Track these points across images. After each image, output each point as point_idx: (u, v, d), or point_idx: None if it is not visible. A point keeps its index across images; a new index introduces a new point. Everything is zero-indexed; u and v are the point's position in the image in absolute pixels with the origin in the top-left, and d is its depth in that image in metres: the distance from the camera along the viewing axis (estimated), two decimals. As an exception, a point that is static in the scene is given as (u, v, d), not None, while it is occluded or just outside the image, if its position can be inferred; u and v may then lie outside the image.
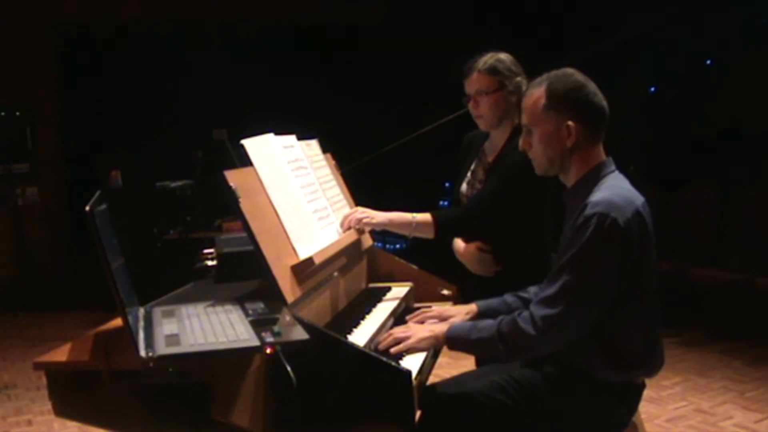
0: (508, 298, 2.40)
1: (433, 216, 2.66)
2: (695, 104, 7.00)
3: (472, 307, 2.40)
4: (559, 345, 1.99)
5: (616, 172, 2.07)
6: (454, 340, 2.09)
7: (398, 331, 2.18)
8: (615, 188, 1.99)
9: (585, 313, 1.93)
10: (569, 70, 2.07)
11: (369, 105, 7.53)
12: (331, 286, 2.40)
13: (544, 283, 2.03)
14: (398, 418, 1.85)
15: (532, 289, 2.39)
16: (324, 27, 7.93)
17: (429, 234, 2.67)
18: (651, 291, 2.02)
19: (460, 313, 2.38)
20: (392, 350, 2.10)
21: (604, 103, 2.06)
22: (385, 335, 2.20)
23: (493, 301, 2.41)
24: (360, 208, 2.69)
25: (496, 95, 2.64)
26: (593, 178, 2.04)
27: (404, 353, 2.15)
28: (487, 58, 2.66)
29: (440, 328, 2.14)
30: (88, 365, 1.80)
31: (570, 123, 2.01)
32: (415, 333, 2.14)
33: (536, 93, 2.05)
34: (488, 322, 2.05)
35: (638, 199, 2.00)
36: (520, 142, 2.13)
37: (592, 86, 2.05)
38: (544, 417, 2.04)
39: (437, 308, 2.48)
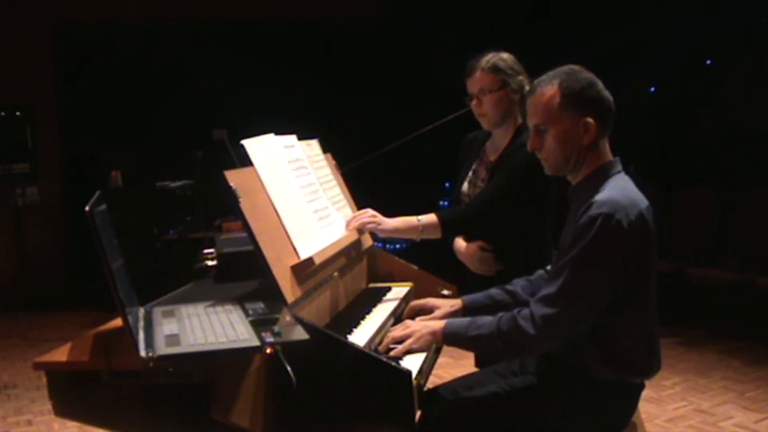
0: (494, 291, 2.41)
1: (438, 216, 2.67)
2: (695, 104, 7.00)
3: (458, 302, 2.42)
4: (558, 343, 1.99)
5: (622, 173, 2.07)
6: (452, 337, 2.10)
7: (397, 332, 2.18)
8: (621, 189, 1.99)
9: (585, 312, 1.93)
10: (576, 67, 2.07)
11: (369, 105, 7.52)
12: (331, 286, 2.40)
13: (546, 280, 2.03)
14: (398, 418, 1.85)
15: (519, 282, 2.40)
16: (324, 27, 7.93)
17: (436, 234, 2.68)
18: (651, 293, 2.02)
19: (446, 305, 2.39)
20: (392, 353, 2.11)
21: (611, 98, 2.07)
22: (385, 336, 2.20)
23: (478, 296, 2.43)
24: (370, 210, 2.69)
25: (499, 94, 2.65)
26: (600, 176, 2.04)
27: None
28: (490, 57, 2.68)
29: (437, 324, 2.14)
30: (88, 365, 1.80)
31: (589, 119, 2.01)
32: (414, 332, 2.14)
33: (549, 91, 2.03)
34: (487, 319, 2.03)
35: (643, 201, 1.99)
36: (529, 142, 2.10)
37: (600, 82, 2.06)
38: (544, 422, 2.04)
39: (423, 300, 2.49)
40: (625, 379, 2.04)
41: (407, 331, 2.15)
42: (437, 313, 2.39)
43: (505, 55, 2.69)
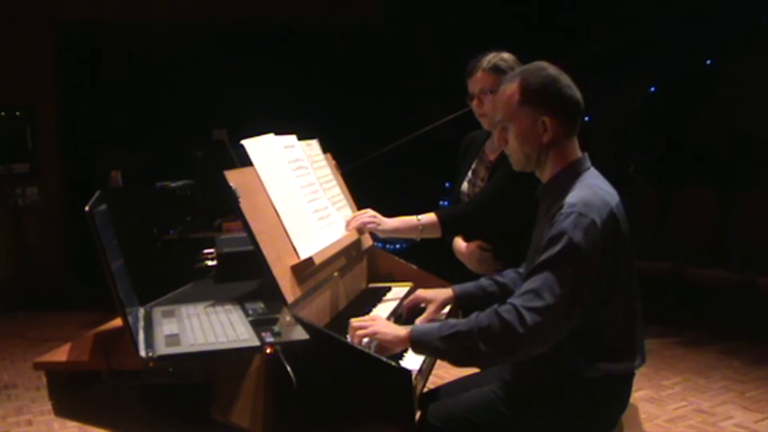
0: (485, 282, 2.40)
1: (438, 215, 2.68)
2: (695, 104, 7.00)
3: (449, 291, 2.41)
4: (544, 343, 1.91)
5: (592, 169, 2.05)
6: (420, 343, 1.96)
7: (356, 322, 2.07)
8: (591, 188, 1.97)
9: (570, 310, 1.87)
10: (542, 64, 2.04)
11: (369, 105, 7.52)
12: (331, 286, 2.40)
13: (523, 278, 1.97)
14: (398, 418, 1.85)
15: (509, 274, 2.39)
16: (324, 27, 7.93)
17: (436, 233, 2.69)
18: (627, 289, 1.98)
19: (438, 297, 2.38)
20: (357, 334, 2.01)
21: (579, 95, 2.02)
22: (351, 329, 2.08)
23: (469, 286, 2.42)
24: (370, 210, 2.69)
25: None
26: (570, 175, 2.01)
27: (404, 353, 2.14)
28: (491, 57, 2.69)
29: (403, 330, 2.00)
30: (88, 365, 1.80)
31: (545, 118, 1.98)
32: (377, 327, 2.03)
33: (509, 89, 2.01)
34: (460, 320, 1.94)
35: (613, 198, 1.97)
36: (496, 138, 2.10)
37: (565, 79, 2.02)
38: (542, 422, 2.03)
39: (413, 295, 2.47)
40: (612, 373, 2.01)
41: (370, 323, 2.05)
42: (431, 308, 2.37)
43: (506, 56, 2.70)
